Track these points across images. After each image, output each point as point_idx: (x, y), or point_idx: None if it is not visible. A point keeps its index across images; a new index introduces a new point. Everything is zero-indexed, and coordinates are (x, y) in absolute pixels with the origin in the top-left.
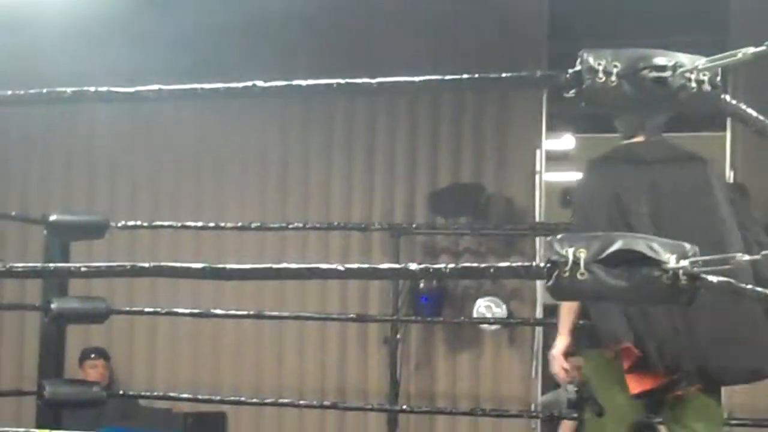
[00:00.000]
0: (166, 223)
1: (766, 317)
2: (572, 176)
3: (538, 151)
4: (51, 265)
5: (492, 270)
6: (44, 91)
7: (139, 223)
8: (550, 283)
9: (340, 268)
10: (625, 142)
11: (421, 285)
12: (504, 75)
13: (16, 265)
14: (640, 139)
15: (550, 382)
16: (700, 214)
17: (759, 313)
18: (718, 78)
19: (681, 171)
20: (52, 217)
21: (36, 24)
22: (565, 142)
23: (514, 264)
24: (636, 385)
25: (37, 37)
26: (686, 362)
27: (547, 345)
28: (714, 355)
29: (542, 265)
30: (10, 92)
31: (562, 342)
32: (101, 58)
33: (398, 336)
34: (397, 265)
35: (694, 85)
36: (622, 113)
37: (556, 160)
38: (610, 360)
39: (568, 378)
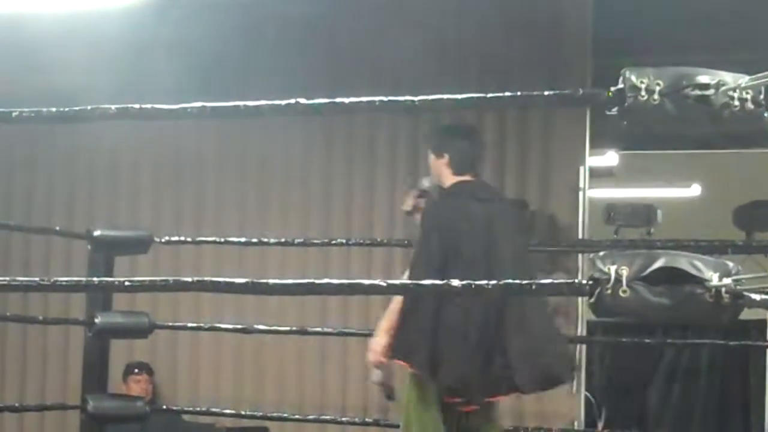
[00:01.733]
0: (209, 239)
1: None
2: (616, 193)
3: (581, 168)
4: (95, 279)
5: (534, 287)
6: (89, 108)
7: (182, 238)
8: (593, 299)
9: (383, 284)
10: (458, 179)
11: None
12: (546, 93)
13: (60, 279)
14: (468, 178)
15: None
16: (520, 249)
17: (552, 323)
18: (762, 96)
19: (507, 209)
20: (97, 233)
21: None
22: (609, 158)
23: (556, 281)
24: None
25: (44, 52)
26: (477, 377)
27: (590, 362)
28: (518, 366)
29: (584, 282)
30: (54, 109)
31: (379, 342)
32: (108, 72)
33: None
34: (439, 282)
35: (737, 103)
36: (665, 131)
37: (599, 176)
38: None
39: (378, 380)
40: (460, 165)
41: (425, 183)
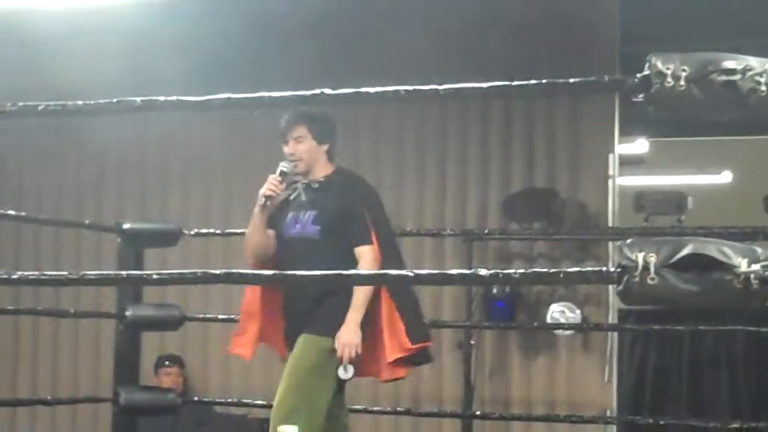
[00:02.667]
0: (239, 231)
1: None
2: (646, 180)
3: (611, 156)
4: (125, 272)
5: (562, 275)
6: (115, 101)
7: (211, 230)
8: (621, 287)
9: (411, 274)
10: (335, 167)
11: (495, 290)
12: (572, 80)
13: (90, 273)
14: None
15: (625, 387)
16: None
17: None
18: None
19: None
20: (126, 226)
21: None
22: (639, 146)
23: (584, 269)
24: (390, 374)
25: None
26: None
27: (622, 351)
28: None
29: (612, 269)
30: (81, 102)
31: (358, 316)
32: (117, 67)
33: (472, 342)
34: (466, 271)
35: (764, 88)
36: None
37: (629, 164)
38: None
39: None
40: (334, 156)
41: (284, 167)
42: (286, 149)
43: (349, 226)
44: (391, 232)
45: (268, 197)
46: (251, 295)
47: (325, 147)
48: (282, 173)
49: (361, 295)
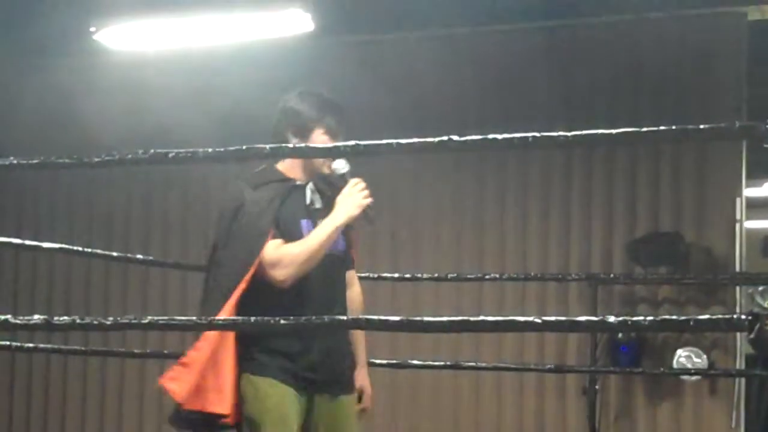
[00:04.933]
0: (362, 274)
1: None
2: None
3: (738, 199)
4: (251, 318)
5: (692, 323)
6: (243, 148)
7: None
8: (752, 335)
9: (537, 320)
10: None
11: (620, 335)
12: (702, 127)
13: (218, 318)
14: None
15: None
16: None
17: None
18: None
19: None
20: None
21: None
22: (767, 189)
23: (714, 316)
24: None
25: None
26: None
27: (750, 396)
28: None
29: (743, 317)
30: (210, 150)
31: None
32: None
33: (597, 386)
34: (594, 318)
35: None
36: None
37: (757, 207)
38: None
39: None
40: None
41: (343, 166)
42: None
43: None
44: None
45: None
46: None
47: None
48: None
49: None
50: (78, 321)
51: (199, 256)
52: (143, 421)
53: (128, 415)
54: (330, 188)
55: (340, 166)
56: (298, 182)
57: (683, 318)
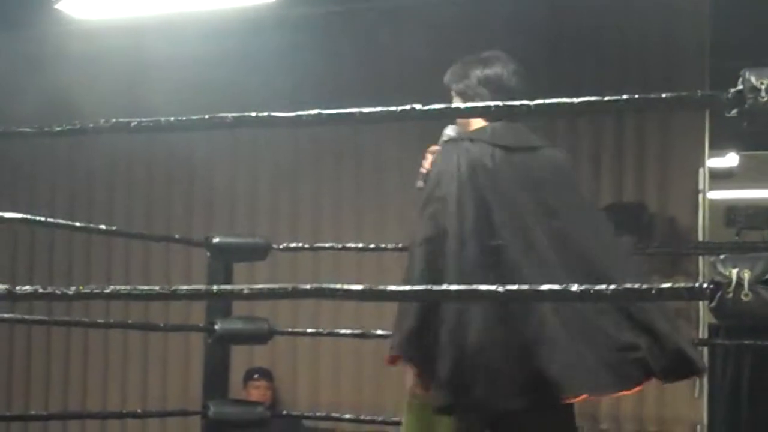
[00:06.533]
0: (327, 245)
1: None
2: (737, 194)
3: (701, 170)
4: (215, 287)
5: (654, 291)
6: (206, 117)
7: (300, 245)
8: (714, 304)
9: (500, 289)
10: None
11: None
12: (664, 95)
13: (180, 287)
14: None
15: (716, 403)
16: (595, 218)
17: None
18: None
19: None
20: (215, 240)
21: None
22: (729, 159)
23: (676, 285)
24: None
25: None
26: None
27: (713, 365)
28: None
29: (705, 286)
30: (173, 118)
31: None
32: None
33: None
34: (557, 287)
35: None
36: None
37: (720, 178)
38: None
39: None
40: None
41: (449, 132)
42: None
43: None
44: None
45: (424, 176)
46: None
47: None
48: (450, 139)
49: None
50: (40, 290)
51: (161, 227)
52: (107, 391)
53: (92, 387)
54: None
55: (449, 130)
56: None
57: (646, 287)
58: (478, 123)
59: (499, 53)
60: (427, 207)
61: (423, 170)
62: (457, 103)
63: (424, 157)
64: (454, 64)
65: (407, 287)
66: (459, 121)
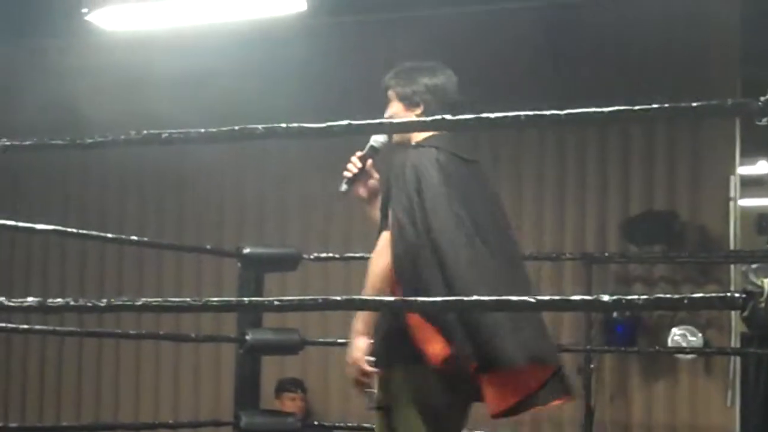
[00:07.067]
0: (358, 255)
1: None
2: None
3: (732, 177)
4: (246, 299)
5: (686, 301)
6: (236, 128)
7: (331, 254)
8: (746, 313)
9: (532, 299)
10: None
11: (615, 314)
12: (695, 104)
13: (212, 299)
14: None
15: (749, 412)
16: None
17: None
18: None
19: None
20: (246, 250)
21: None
22: (760, 167)
23: (708, 295)
24: (498, 404)
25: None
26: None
27: (746, 374)
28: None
29: (737, 295)
30: (203, 130)
31: (363, 343)
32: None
33: (592, 365)
34: (589, 297)
35: None
36: None
37: (750, 185)
38: (433, 378)
39: (366, 385)
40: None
41: (378, 138)
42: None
43: None
44: None
45: (348, 181)
46: None
47: (418, 111)
48: (372, 148)
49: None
50: (72, 303)
51: (196, 238)
52: (139, 401)
53: (124, 398)
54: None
55: (373, 140)
56: None
57: (678, 296)
58: (425, 132)
59: (441, 64)
60: (409, 213)
61: (348, 174)
62: (395, 105)
63: (350, 162)
64: (397, 67)
65: (436, 299)
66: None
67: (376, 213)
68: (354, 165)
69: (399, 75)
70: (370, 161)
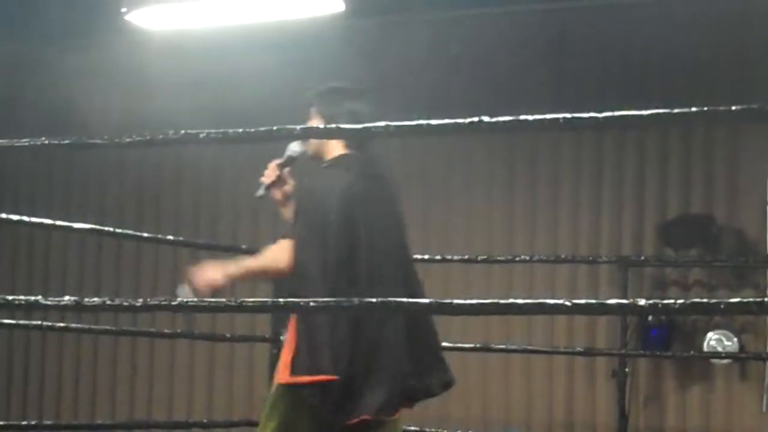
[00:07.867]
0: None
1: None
2: None
3: None
4: (281, 300)
5: (722, 306)
6: (274, 128)
7: None
8: None
9: (567, 303)
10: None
11: (650, 318)
12: (733, 108)
13: (247, 300)
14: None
15: None
16: (405, 239)
17: (432, 327)
18: None
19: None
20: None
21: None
22: None
23: (745, 299)
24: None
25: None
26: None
27: None
28: (416, 373)
29: None
30: (241, 130)
31: (236, 271)
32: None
33: (627, 370)
34: (625, 301)
35: None
36: None
37: None
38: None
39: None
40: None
41: (294, 149)
42: None
43: None
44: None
45: (266, 187)
46: None
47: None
48: (289, 158)
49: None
50: (108, 302)
51: (229, 237)
52: (173, 400)
53: (157, 396)
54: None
55: (290, 149)
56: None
57: (714, 301)
58: (337, 149)
59: (368, 89)
60: (311, 228)
61: (265, 180)
62: (315, 123)
63: (267, 168)
64: (321, 87)
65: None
66: (313, 141)
67: (290, 214)
68: (272, 172)
69: (323, 96)
70: (287, 169)
